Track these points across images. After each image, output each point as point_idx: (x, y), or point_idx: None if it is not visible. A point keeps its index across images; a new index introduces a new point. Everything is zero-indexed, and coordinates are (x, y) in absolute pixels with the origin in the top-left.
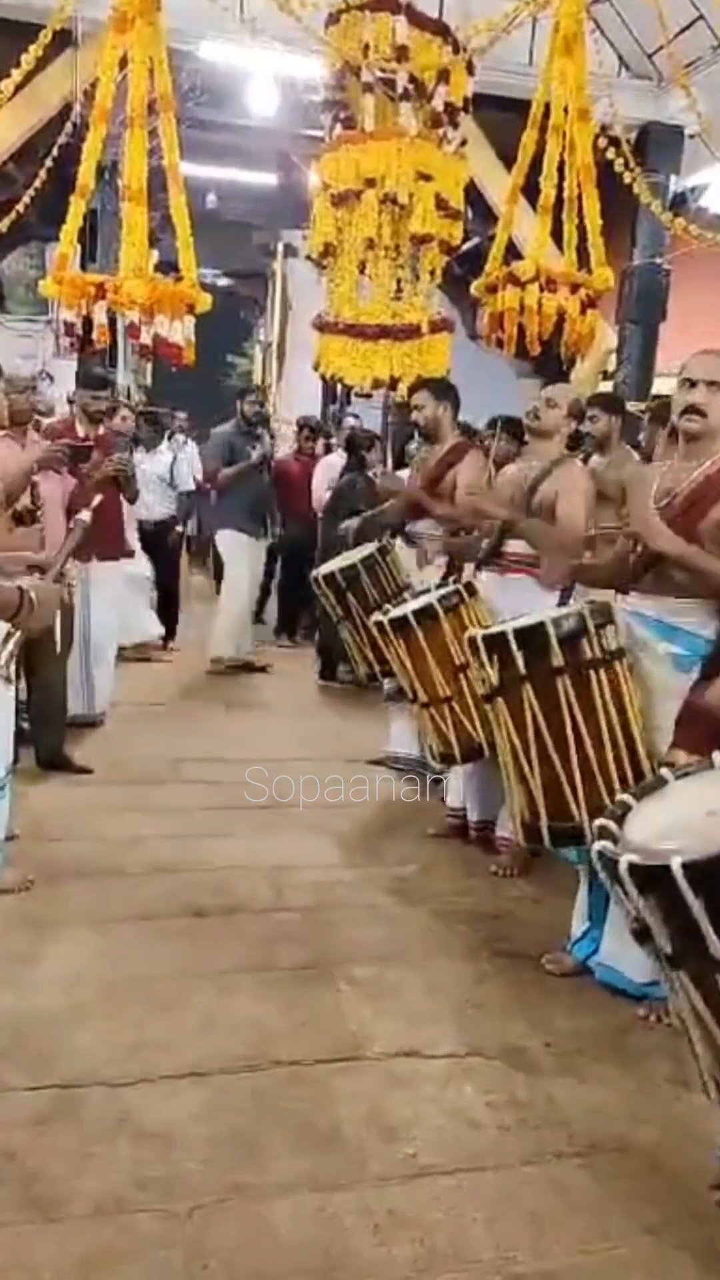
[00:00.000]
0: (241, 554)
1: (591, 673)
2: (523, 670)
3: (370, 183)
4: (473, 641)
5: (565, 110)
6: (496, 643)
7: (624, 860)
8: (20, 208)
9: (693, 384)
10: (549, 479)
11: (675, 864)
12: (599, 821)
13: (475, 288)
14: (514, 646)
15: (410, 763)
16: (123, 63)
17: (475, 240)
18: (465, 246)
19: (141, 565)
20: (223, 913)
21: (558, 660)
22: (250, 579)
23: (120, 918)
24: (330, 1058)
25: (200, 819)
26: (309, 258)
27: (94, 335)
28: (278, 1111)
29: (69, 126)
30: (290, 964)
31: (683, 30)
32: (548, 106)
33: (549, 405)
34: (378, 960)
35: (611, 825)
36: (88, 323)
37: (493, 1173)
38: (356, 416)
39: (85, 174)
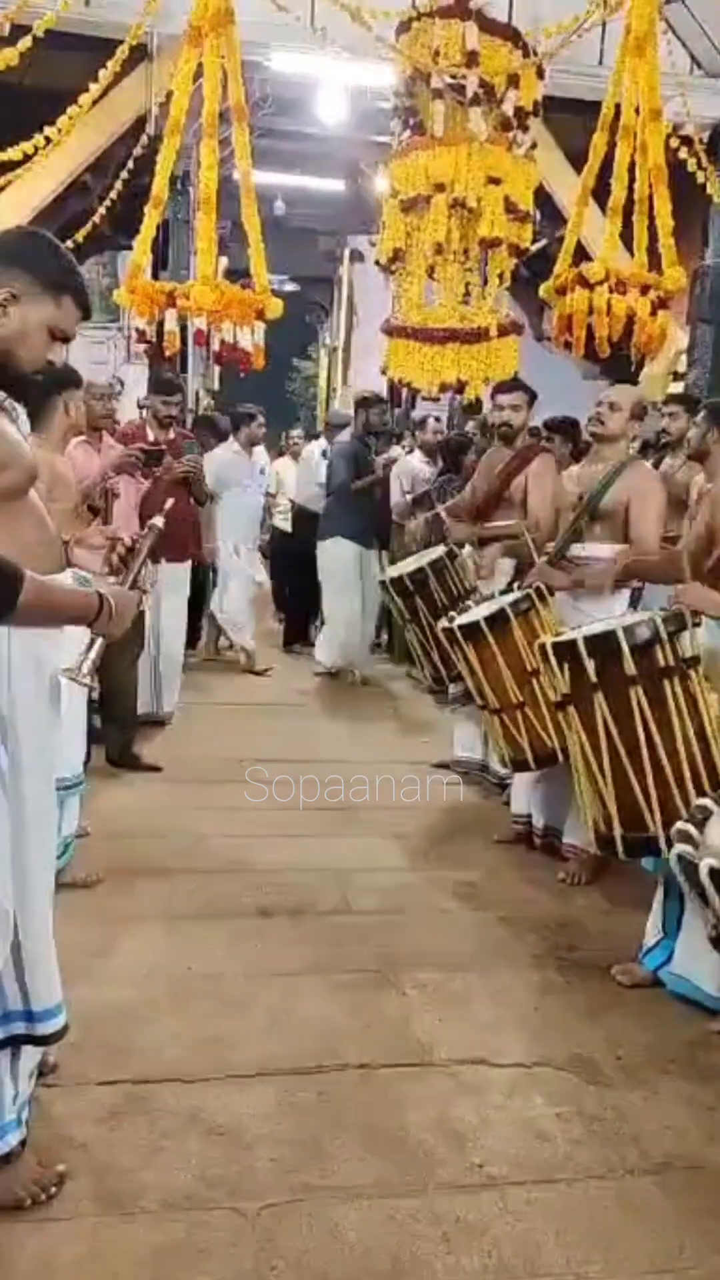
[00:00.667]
0: (353, 564)
1: (666, 681)
2: (594, 678)
3: (440, 187)
4: (543, 649)
5: (636, 111)
6: (567, 651)
7: (705, 864)
8: (96, 218)
9: None
10: (619, 482)
11: None
12: (678, 825)
13: (544, 290)
14: (585, 654)
15: (475, 767)
16: (196, 75)
17: (544, 242)
18: (534, 249)
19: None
20: (289, 913)
21: (630, 669)
22: (363, 589)
23: (189, 915)
24: (397, 1062)
25: (266, 819)
26: (378, 263)
27: (164, 342)
28: (345, 1114)
29: (144, 139)
30: (356, 967)
31: None
32: (618, 108)
33: (612, 409)
34: (444, 966)
35: (691, 829)
36: (159, 329)
37: (563, 1185)
38: (438, 419)
39: (160, 185)
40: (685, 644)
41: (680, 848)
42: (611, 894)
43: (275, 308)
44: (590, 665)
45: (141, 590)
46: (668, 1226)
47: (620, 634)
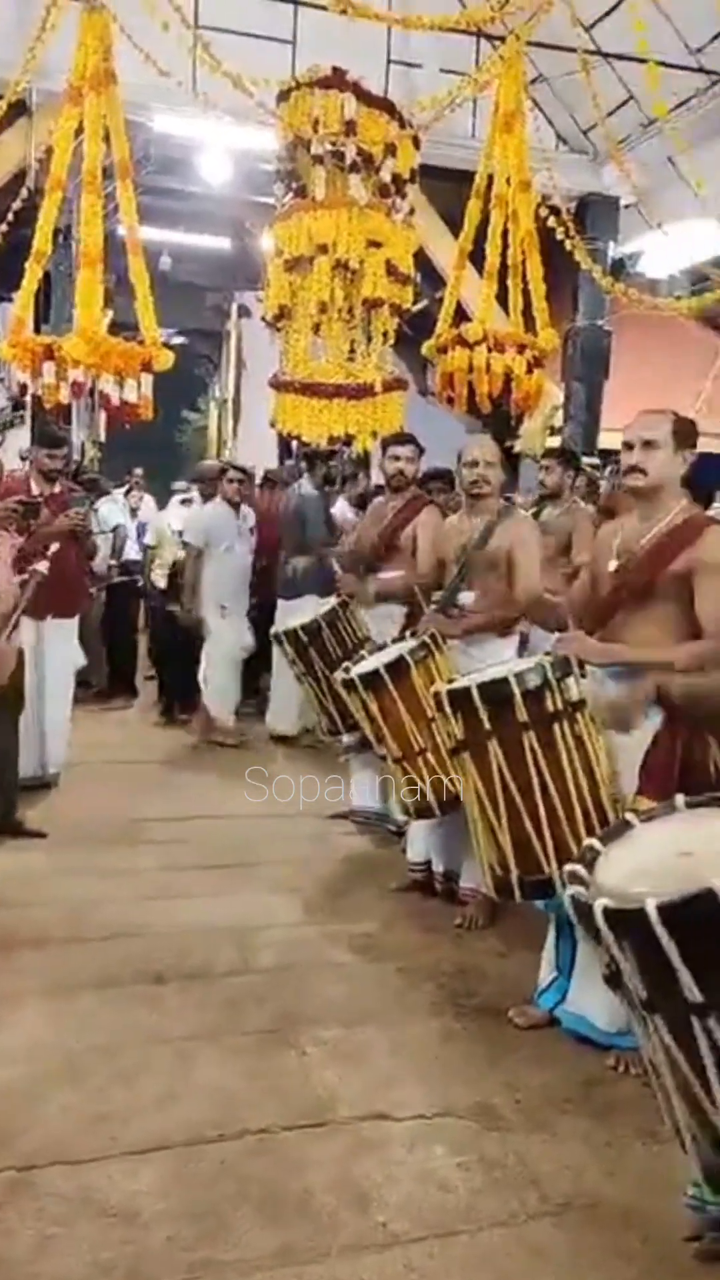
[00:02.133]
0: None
1: (556, 725)
2: (488, 725)
3: (322, 249)
4: (437, 697)
5: (507, 181)
6: (462, 698)
7: (598, 904)
8: None
9: (630, 446)
10: (499, 531)
11: (650, 906)
12: (569, 867)
13: (426, 349)
14: (479, 701)
15: (371, 816)
16: (77, 131)
17: (424, 303)
18: (415, 309)
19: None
20: (184, 977)
21: (522, 715)
22: None
23: (79, 985)
24: (297, 1124)
25: (159, 880)
26: (264, 319)
27: (43, 395)
28: (246, 1182)
29: (23, 191)
30: (254, 1028)
31: (615, 110)
32: (490, 177)
33: (488, 466)
34: (343, 1021)
35: (581, 871)
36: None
37: (466, 1237)
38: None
39: (41, 239)
40: (572, 688)
41: (573, 889)
42: (508, 936)
43: (165, 360)
44: (484, 712)
45: (16, 646)
46: (569, 1267)
47: (513, 681)
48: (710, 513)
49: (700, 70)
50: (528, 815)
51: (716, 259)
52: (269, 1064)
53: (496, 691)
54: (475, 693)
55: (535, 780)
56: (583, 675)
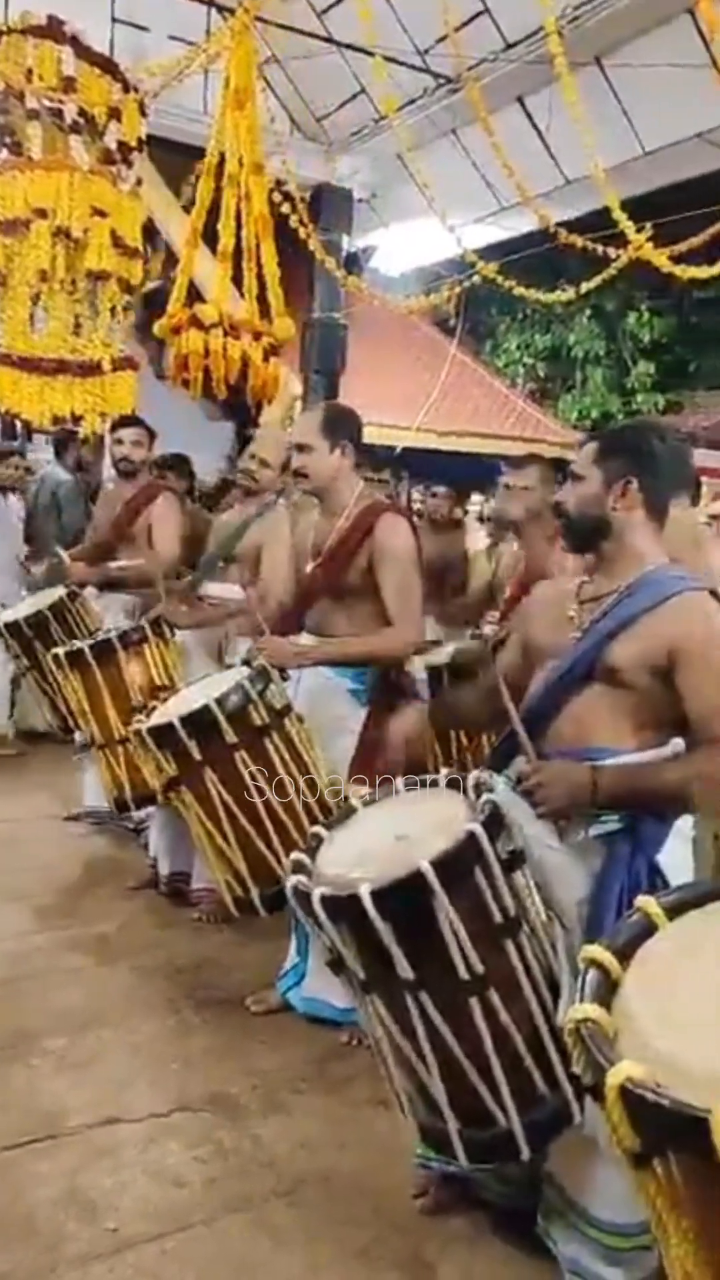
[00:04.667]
0: None
1: (264, 739)
2: (198, 756)
3: (41, 213)
4: (139, 735)
5: (240, 162)
6: (166, 734)
7: (316, 893)
8: None
9: (296, 449)
10: (255, 527)
11: (364, 892)
12: (293, 856)
13: (158, 329)
14: (183, 735)
15: (105, 815)
16: None
17: (159, 281)
18: (150, 286)
19: None
20: None
21: (230, 737)
22: None
23: None
24: (23, 1141)
25: None
26: None
27: None
28: None
29: None
30: None
31: (348, 101)
32: (223, 156)
33: (263, 465)
34: (75, 1028)
35: (305, 859)
36: None
37: (201, 1228)
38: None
39: None
40: (274, 696)
41: (295, 878)
42: (247, 926)
43: None
44: (192, 744)
45: None
46: (305, 1243)
47: (214, 707)
48: (472, 510)
49: (427, 71)
50: (255, 832)
51: (445, 261)
52: None
53: (200, 720)
54: (179, 727)
55: (256, 796)
56: (284, 679)
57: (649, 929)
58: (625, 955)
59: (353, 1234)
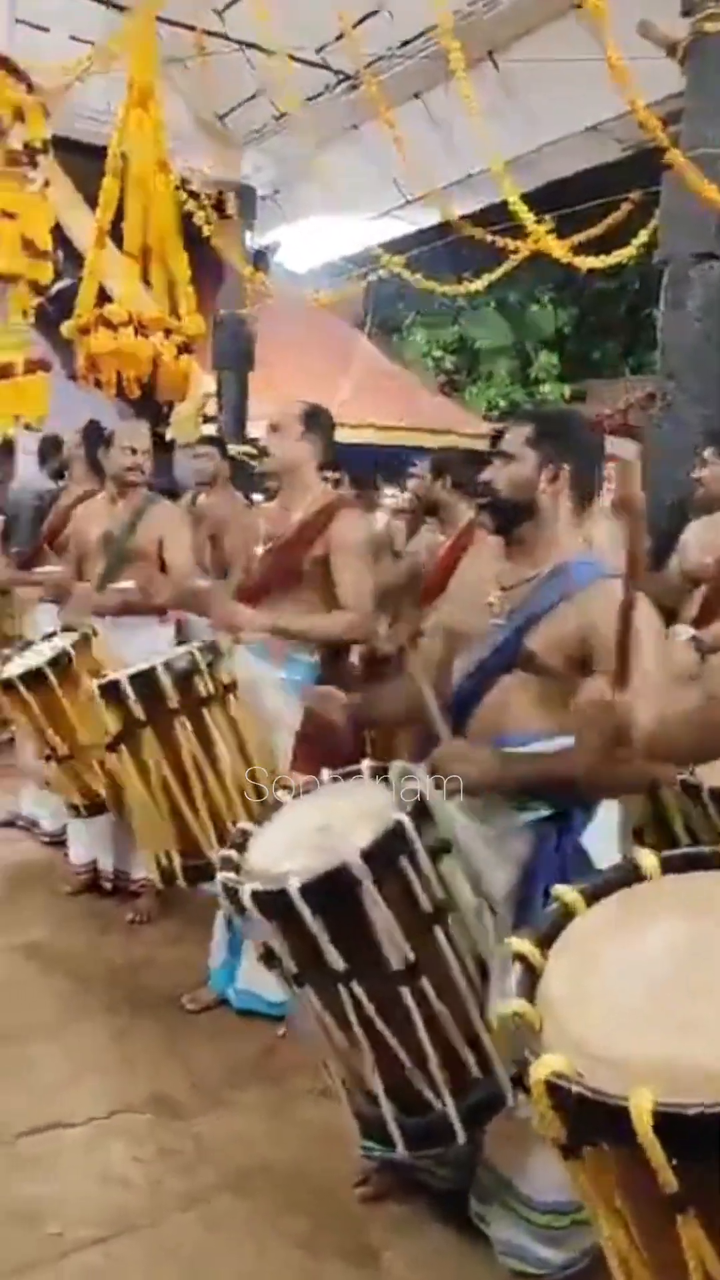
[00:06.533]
0: None
1: (205, 710)
2: (140, 715)
3: None
4: (89, 693)
5: (146, 160)
6: (112, 691)
7: (246, 889)
8: None
9: (270, 428)
10: (145, 521)
11: (292, 886)
12: (221, 852)
13: (67, 329)
14: (129, 692)
15: (30, 822)
16: None
17: (68, 281)
18: (58, 287)
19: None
20: None
21: (173, 701)
22: None
23: None
24: None
25: None
26: None
27: None
28: None
29: None
30: None
31: (249, 99)
32: (126, 155)
33: (145, 454)
34: (10, 1037)
35: (233, 855)
36: None
37: (147, 1230)
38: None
39: None
40: (222, 671)
41: (223, 875)
42: (181, 923)
43: None
44: (135, 702)
45: None
46: (249, 1235)
47: (160, 669)
48: (386, 503)
49: (326, 68)
50: (185, 801)
51: (351, 255)
52: None
53: (145, 681)
54: (125, 684)
55: (190, 764)
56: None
57: (568, 916)
58: (547, 944)
59: (294, 1222)
